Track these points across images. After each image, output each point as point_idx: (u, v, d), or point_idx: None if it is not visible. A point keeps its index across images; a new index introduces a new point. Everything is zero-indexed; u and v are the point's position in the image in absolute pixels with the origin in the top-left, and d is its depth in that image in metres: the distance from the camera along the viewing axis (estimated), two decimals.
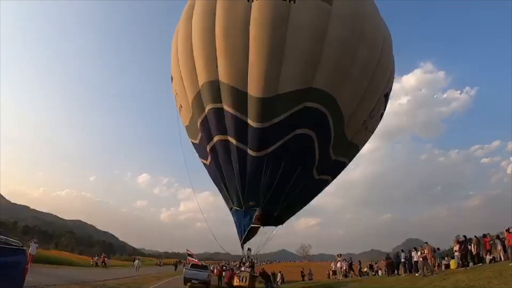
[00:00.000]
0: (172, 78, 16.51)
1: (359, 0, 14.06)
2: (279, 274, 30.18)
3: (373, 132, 16.69)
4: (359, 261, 30.93)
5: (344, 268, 25.22)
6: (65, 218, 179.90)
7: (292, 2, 12.36)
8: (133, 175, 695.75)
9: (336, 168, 15.80)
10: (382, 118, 17.02)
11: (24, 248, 6.32)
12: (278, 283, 27.50)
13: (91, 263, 34.11)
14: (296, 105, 12.62)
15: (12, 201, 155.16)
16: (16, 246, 5.95)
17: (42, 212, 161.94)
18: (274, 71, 12.36)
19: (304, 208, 16.84)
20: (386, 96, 16.11)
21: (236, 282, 15.79)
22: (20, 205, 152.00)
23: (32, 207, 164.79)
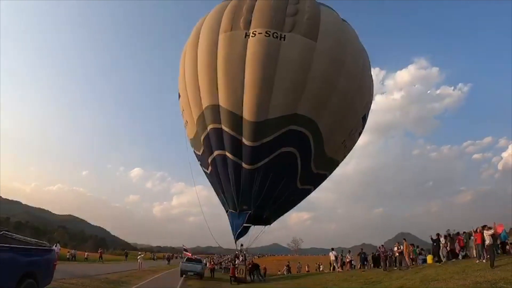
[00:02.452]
0: (179, 95, 18.82)
1: (340, 32, 16.42)
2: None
3: (351, 148, 19.23)
4: (341, 255, 31.78)
5: (348, 260, 25.76)
6: (57, 213, 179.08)
7: (282, 39, 14.81)
8: (125, 169, 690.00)
9: (318, 179, 18.35)
10: (361, 135, 19.58)
11: (54, 248, 7.64)
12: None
13: (67, 256, 33.87)
14: (283, 128, 15.04)
15: (4, 196, 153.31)
16: (49, 247, 7.25)
17: (34, 208, 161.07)
18: (265, 99, 14.76)
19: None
20: (364, 118, 18.64)
21: (236, 273, 19.00)
22: (12, 200, 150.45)
23: (24, 202, 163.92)
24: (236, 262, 19.98)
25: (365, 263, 23.50)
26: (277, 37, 14.70)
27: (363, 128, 19.18)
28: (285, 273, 37.02)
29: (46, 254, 7.01)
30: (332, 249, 25.49)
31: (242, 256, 20.06)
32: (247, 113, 14.94)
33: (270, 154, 15.36)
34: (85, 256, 36.82)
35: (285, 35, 14.77)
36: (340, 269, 22.87)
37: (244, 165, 15.64)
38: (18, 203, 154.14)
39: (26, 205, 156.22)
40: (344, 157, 19.05)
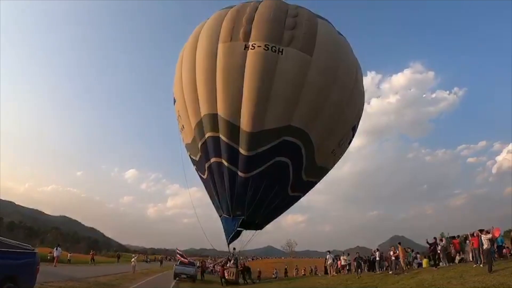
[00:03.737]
0: (174, 100, 19.13)
1: (335, 46, 16.92)
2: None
3: (341, 157, 20.02)
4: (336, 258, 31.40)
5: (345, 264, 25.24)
6: (51, 214, 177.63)
7: (280, 53, 15.30)
8: (120, 170, 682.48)
9: (307, 187, 19.07)
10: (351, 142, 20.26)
11: (36, 251, 7.31)
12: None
13: (48, 256, 31.07)
14: (277, 138, 15.71)
15: None
16: (32, 250, 6.95)
17: (28, 208, 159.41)
18: (261, 111, 15.36)
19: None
20: (354, 128, 19.33)
21: (226, 275, 19.71)
22: (5, 200, 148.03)
23: (17, 203, 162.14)
24: (228, 265, 20.52)
25: (361, 267, 23.31)
26: (275, 51, 15.17)
27: (352, 137, 19.93)
28: (276, 275, 37.01)
29: (28, 257, 6.73)
30: (329, 251, 25.11)
31: (233, 259, 20.59)
32: (244, 124, 15.52)
33: (264, 163, 15.98)
34: (68, 258, 33.24)
35: (283, 49, 15.23)
36: (334, 273, 22.64)
37: (239, 173, 16.21)
38: (11, 203, 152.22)
39: (19, 205, 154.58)
40: (334, 164, 19.71)
